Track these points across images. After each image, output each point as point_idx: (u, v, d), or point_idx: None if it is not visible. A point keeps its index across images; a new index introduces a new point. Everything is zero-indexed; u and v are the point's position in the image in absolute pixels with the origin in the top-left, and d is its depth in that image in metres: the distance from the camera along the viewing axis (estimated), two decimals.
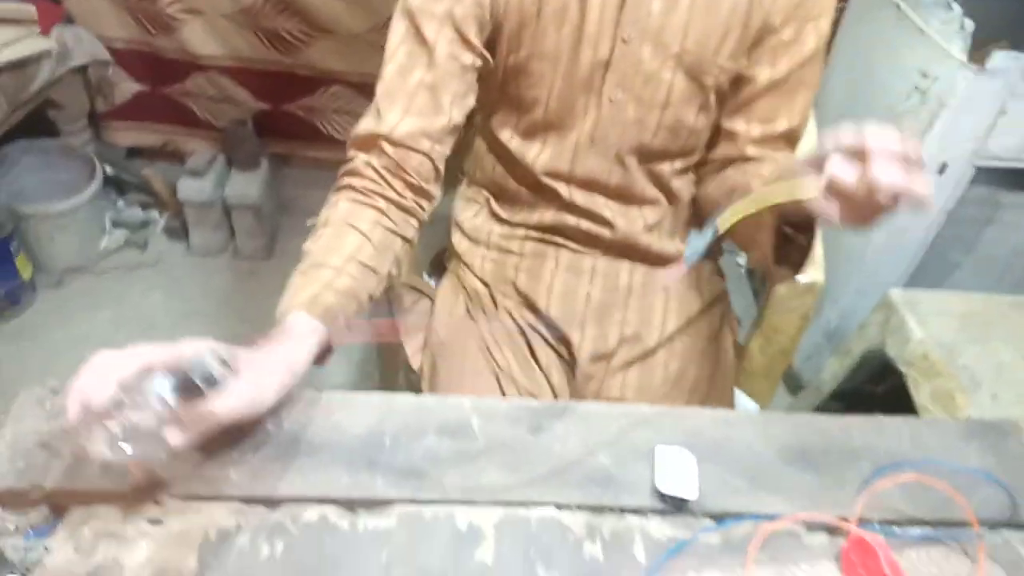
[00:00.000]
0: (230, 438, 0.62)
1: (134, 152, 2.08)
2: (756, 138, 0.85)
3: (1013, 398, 1.13)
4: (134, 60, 1.89)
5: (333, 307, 0.70)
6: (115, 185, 2.00)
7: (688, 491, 0.61)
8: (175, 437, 0.56)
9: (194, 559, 0.56)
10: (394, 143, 0.79)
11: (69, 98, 1.83)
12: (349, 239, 0.75)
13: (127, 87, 1.93)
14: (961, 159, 1.33)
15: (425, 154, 0.80)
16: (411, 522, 0.60)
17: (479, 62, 0.82)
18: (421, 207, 0.83)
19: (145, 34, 1.83)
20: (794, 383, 1.77)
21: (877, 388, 1.41)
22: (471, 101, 0.84)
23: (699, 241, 0.63)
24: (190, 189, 1.82)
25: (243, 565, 0.56)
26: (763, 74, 0.81)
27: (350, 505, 0.61)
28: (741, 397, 1.02)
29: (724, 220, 0.60)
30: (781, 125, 0.84)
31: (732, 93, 0.84)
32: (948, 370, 1.17)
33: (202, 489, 0.61)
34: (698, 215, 0.95)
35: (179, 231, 1.95)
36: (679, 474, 0.62)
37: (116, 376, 0.54)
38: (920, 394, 1.20)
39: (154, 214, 1.99)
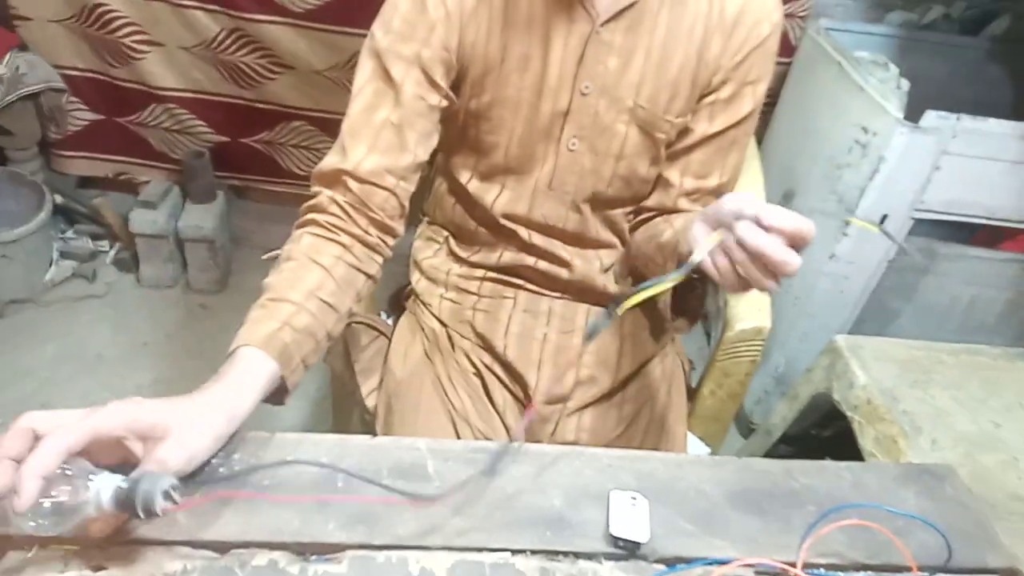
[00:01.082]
0: None
1: (86, 182, 2.04)
2: (688, 191, 0.89)
3: (950, 443, 1.18)
4: (89, 89, 1.86)
5: (290, 346, 0.70)
6: (64, 215, 1.96)
7: (640, 534, 0.62)
8: (98, 527, 0.55)
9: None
10: (359, 179, 0.79)
11: (20, 125, 1.79)
12: (311, 275, 0.75)
13: (81, 116, 1.90)
14: (900, 211, 1.40)
15: (390, 191, 0.81)
16: (363, 568, 0.59)
17: (444, 102, 0.83)
18: (385, 243, 0.83)
19: (103, 64, 1.81)
20: (746, 426, 1.81)
21: (824, 432, 1.45)
22: (435, 140, 0.85)
23: (601, 323, 0.68)
24: (142, 220, 1.79)
25: None
26: (700, 128, 0.86)
27: (300, 550, 0.60)
28: (693, 440, 1.04)
29: (623, 307, 0.65)
30: (712, 181, 0.89)
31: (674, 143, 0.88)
32: (890, 415, 1.21)
33: (148, 533, 0.59)
34: (627, 257, 0.98)
35: (129, 263, 1.91)
36: (632, 518, 0.63)
37: (63, 450, 0.52)
38: (865, 439, 1.24)
39: (104, 245, 1.95)
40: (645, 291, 0.66)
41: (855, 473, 0.72)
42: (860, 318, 1.58)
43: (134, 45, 1.75)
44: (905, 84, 1.35)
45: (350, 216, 0.79)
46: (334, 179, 0.80)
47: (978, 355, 1.38)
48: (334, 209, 0.79)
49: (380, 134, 0.80)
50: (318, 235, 0.78)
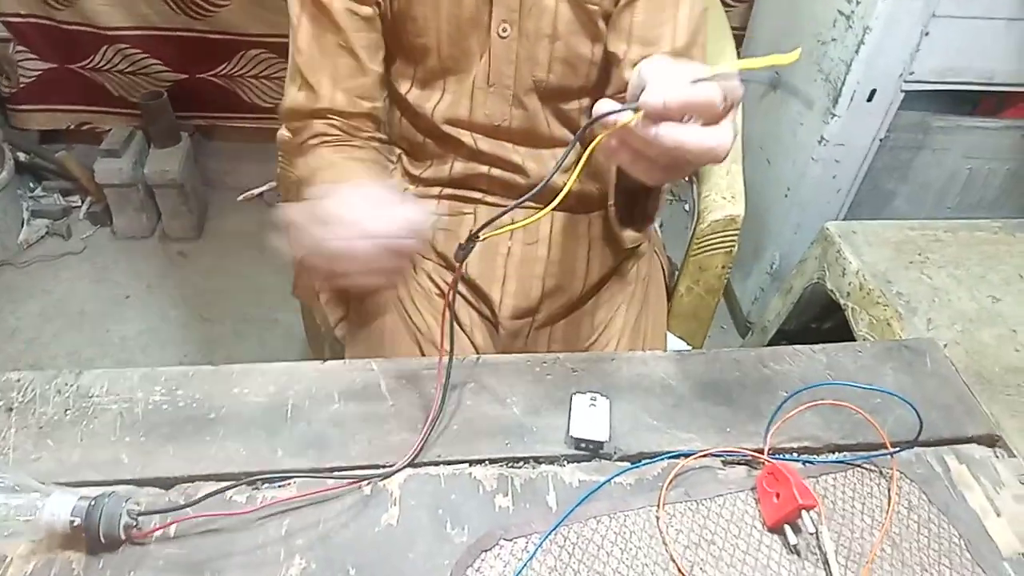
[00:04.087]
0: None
1: (49, 136, 1.98)
2: (636, 61, 0.79)
3: (946, 321, 1.14)
4: (36, 36, 1.77)
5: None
6: (31, 172, 1.91)
7: (600, 433, 0.59)
8: None
9: (83, 545, 0.53)
10: (339, 115, 0.80)
11: None
12: (354, 162, 0.78)
13: (32, 66, 1.82)
14: (889, 84, 1.32)
15: (368, 114, 0.82)
16: (312, 490, 0.57)
17: (377, 9, 0.80)
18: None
19: (44, 7, 1.72)
20: (744, 326, 1.77)
21: (825, 324, 1.41)
22: (383, 48, 0.83)
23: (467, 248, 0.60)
24: (108, 170, 1.74)
25: (134, 546, 0.53)
26: None
27: (249, 480, 0.58)
28: (674, 340, 1.01)
29: (486, 233, 0.57)
30: (664, 46, 0.78)
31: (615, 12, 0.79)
32: (884, 299, 1.17)
33: (91, 474, 0.58)
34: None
35: (103, 216, 1.87)
36: (592, 418, 0.61)
37: None
38: (859, 324, 1.20)
39: (75, 200, 1.91)
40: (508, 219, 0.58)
41: (830, 355, 0.69)
42: (855, 203, 1.52)
43: None
44: None
45: (349, 134, 0.81)
46: (318, 115, 0.80)
47: (977, 230, 1.32)
48: (334, 132, 0.80)
49: (337, 62, 0.79)
50: (334, 144, 0.80)
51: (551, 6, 0.77)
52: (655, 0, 0.77)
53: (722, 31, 1.23)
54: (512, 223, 0.61)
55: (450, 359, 0.62)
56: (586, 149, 0.56)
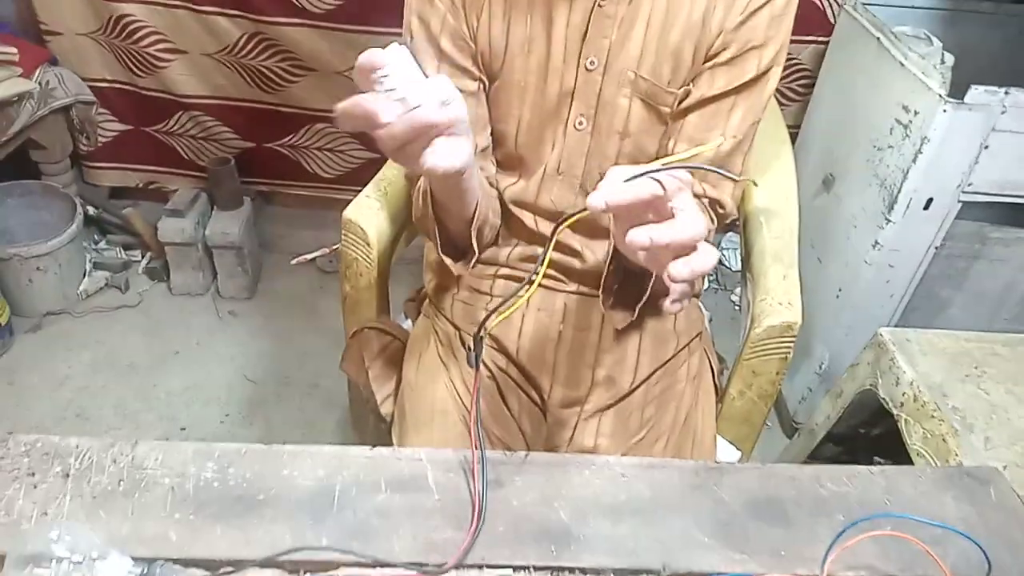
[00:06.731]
0: None
1: (118, 192, 2.07)
2: None
3: (1006, 441, 1.09)
4: (117, 100, 1.88)
5: None
6: (97, 226, 1.99)
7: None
8: None
9: None
10: None
11: (51, 139, 1.82)
12: None
13: (110, 127, 1.93)
14: (946, 194, 1.31)
15: None
16: None
17: (481, 84, 0.84)
18: None
19: (129, 74, 1.83)
20: (790, 426, 1.73)
21: (874, 430, 1.37)
22: (484, 123, 0.85)
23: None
24: (171, 229, 1.80)
25: None
26: (699, 91, 0.80)
27: (293, 568, 0.58)
28: (723, 444, 0.98)
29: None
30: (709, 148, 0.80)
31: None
32: (939, 413, 1.13)
33: (139, 549, 0.58)
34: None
35: (161, 272, 1.93)
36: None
37: None
38: (912, 437, 1.17)
39: (136, 255, 1.98)
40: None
41: (889, 478, 0.67)
42: (908, 309, 1.49)
43: (158, 54, 1.77)
44: (949, 59, 1.26)
45: None
46: None
47: None
48: None
49: None
50: None
51: (625, 105, 0.81)
52: (711, 110, 0.80)
53: (778, 131, 1.25)
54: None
55: (483, 468, 0.61)
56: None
